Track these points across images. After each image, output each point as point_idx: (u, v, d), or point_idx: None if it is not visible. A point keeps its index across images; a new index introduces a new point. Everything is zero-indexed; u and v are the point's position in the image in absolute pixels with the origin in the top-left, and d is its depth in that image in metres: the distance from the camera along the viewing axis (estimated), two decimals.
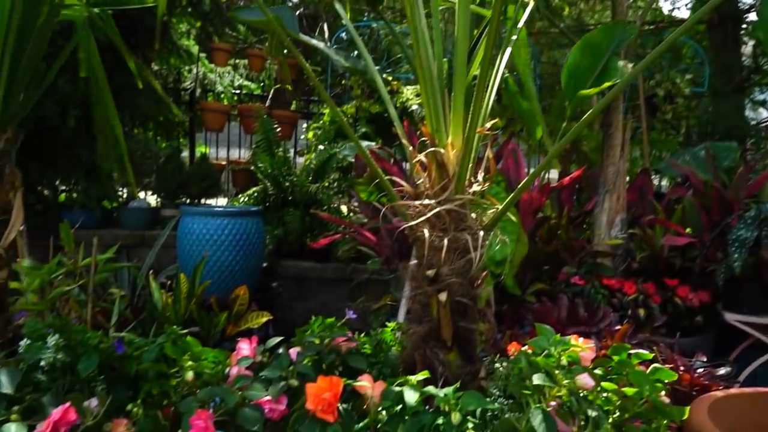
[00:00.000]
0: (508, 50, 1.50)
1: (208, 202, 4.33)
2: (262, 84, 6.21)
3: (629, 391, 1.15)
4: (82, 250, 2.11)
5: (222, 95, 5.61)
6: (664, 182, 5.07)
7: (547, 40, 5.21)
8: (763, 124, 5.59)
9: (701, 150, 3.40)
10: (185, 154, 4.65)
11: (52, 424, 1.04)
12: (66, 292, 1.94)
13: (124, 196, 4.07)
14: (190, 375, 1.25)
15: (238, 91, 5.96)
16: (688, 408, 1.17)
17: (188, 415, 1.09)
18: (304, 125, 5.08)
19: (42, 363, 1.21)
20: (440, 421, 1.05)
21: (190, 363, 1.27)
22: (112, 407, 1.16)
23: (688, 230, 2.88)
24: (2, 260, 1.42)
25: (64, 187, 3.90)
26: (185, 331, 1.42)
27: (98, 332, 1.31)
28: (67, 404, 1.07)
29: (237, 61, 6.14)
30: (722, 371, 1.91)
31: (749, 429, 1.46)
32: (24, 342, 1.29)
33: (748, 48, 5.89)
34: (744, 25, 5.43)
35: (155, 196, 4.26)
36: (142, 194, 4.13)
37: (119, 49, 1.72)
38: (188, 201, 4.13)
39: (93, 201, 3.69)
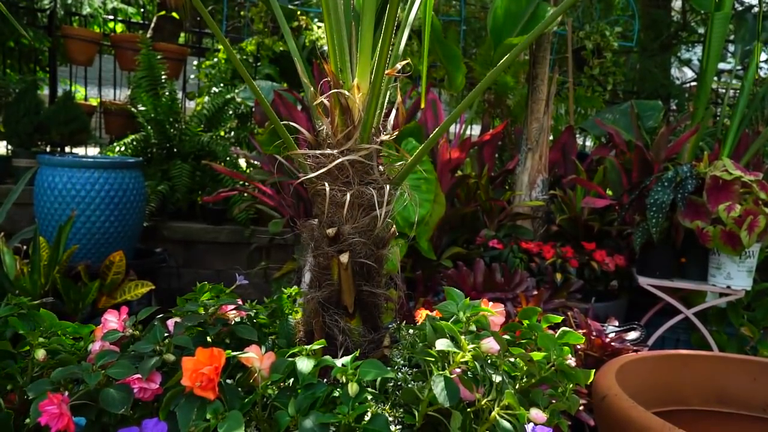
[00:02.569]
0: None
1: (75, 151, 4.04)
2: (142, 10, 5.77)
3: (536, 355, 1.23)
4: None
5: (92, 20, 5.14)
6: (589, 141, 5.39)
7: None
8: (687, 84, 6.06)
9: (627, 108, 3.62)
10: (45, 92, 4.27)
11: None
12: None
13: None
14: (41, 353, 1.17)
15: (112, 17, 5.50)
16: (593, 371, 1.27)
17: (38, 400, 1.03)
18: (195, 63, 4.81)
19: None
20: (336, 393, 1.06)
21: (41, 339, 1.19)
22: None
23: (609, 192, 3.09)
24: None
25: None
26: (37, 302, 1.33)
27: None
28: None
29: None
30: (632, 335, 2.10)
31: (652, 389, 1.63)
32: None
33: (677, 3, 6.30)
34: None
35: (5, 142, 3.89)
36: None
37: None
38: (48, 149, 3.82)
39: None
